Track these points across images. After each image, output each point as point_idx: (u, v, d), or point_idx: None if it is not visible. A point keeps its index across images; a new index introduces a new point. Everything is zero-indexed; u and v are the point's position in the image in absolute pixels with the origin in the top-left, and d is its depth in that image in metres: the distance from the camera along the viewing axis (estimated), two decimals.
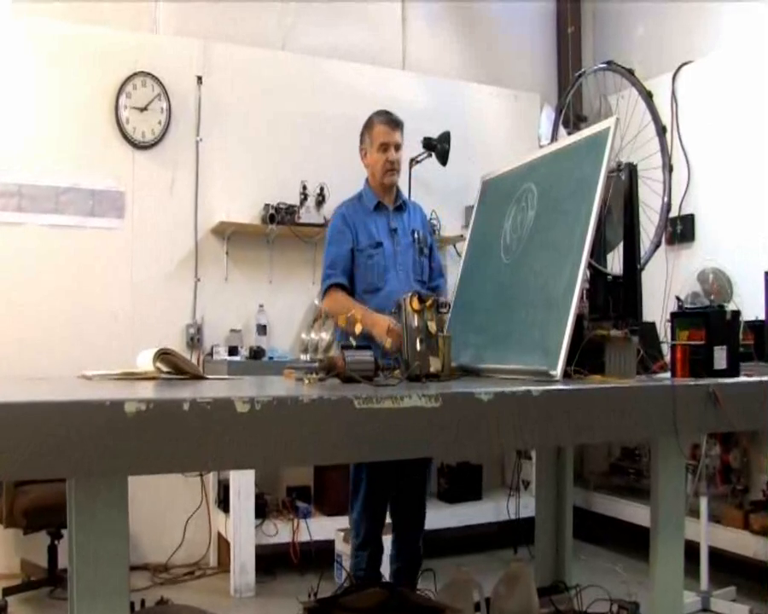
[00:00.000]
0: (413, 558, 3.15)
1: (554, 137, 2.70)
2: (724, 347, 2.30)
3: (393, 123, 3.15)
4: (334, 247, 3.12)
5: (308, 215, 4.58)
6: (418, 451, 1.81)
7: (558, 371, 2.05)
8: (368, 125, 3.20)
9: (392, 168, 3.15)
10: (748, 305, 3.26)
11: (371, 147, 3.16)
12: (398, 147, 3.16)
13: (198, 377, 2.18)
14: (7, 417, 1.29)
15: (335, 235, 3.14)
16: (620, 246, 2.53)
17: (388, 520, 3.22)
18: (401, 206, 3.25)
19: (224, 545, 4.29)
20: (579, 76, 2.79)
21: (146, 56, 4.46)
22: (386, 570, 3.21)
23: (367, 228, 3.13)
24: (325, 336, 4.49)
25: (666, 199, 2.80)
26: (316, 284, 4.34)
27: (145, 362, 2.12)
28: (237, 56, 4.69)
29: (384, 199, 3.20)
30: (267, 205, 4.53)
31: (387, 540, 3.20)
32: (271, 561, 4.16)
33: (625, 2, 5.40)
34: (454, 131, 4.31)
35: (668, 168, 2.79)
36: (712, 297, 3.28)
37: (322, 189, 4.60)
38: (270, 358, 4.34)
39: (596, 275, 2.48)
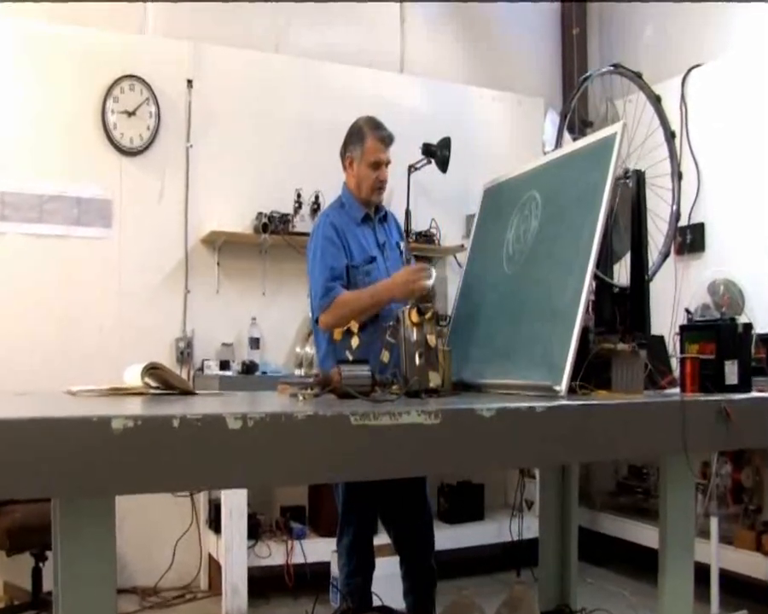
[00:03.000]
0: (427, 578, 3.05)
1: (558, 143, 2.73)
2: (736, 361, 2.30)
3: (389, 139, 3.06)
4: (330, 260, 2.94)
5: (303, 224, 4.50)
6: (417, 469, 1.86)
7: (563, 386, 2.04)
8: (359, 135, 3.05)
9: (382, 186, 3.08)
10: (761, 318, 3.29)
11: (361, 161, 3.04)
12: (388, 164, 3.08)
13: (188, 392, 2.18)
14: None
15: (329, 247, 2.96)
16: (627, 257, 2.53)
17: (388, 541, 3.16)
18: (384, 217, 3.17)
19: (215, 567, 4.21)
20: (585, 79, 2.85)
21: (134, 59, 4.39)
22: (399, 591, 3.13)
23: (358, 241, 3.02)
24: None
25: (674, 207, 2.85)
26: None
27: (133, 377, 2.12)
28: (229, 59, 4.62)
29: (370, 210, 3.11)
30: (260, 214, 4.45)
31: (395, 561, 3.13)
32: (264, 584, 4.08)
33: (632, 2, 5.35)
34: (454, 137, 4.23)
35: (677, 175, 2.83)
36: (723, 309, 3.31)
37: (317, 197, 4.54)
38: (264, 373, 4.26)
39: (602, 286, 2.46)
